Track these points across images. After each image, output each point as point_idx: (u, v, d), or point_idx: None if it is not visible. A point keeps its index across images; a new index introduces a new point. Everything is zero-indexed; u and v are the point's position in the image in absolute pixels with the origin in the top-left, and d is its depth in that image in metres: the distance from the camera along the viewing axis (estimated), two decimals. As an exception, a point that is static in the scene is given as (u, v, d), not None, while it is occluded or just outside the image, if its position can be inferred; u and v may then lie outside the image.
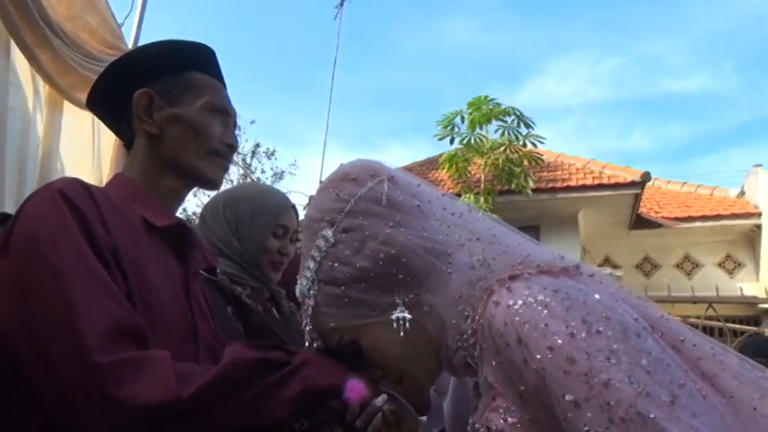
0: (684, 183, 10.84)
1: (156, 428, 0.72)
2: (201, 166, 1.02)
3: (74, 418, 0.73)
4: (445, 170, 6.28)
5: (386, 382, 0.90)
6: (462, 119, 6.02)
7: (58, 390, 0.74)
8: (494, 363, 0.75)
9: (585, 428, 0.64)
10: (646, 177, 8.27)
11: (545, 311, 0.69)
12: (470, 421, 0.82)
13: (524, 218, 8.49)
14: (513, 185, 6.11)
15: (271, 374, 0.82)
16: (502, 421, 0.75)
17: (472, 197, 5.97)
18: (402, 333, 0.81)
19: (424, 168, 9.80)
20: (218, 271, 1.38)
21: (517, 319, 0.70)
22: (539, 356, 0.68)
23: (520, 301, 0.71)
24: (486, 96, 6.03)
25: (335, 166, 0.93)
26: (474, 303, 0.80)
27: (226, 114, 1.06)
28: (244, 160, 10.40)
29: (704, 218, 9.30)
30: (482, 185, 6.03)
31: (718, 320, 4.72)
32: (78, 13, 2.52)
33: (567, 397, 0.65)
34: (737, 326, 4.78)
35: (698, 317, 4.88)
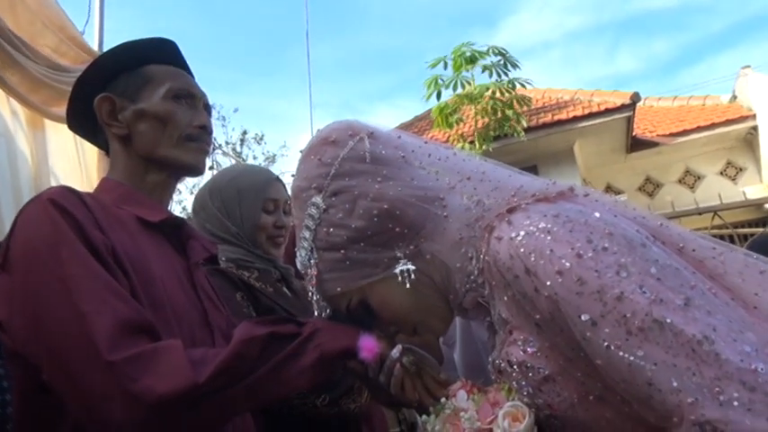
0: (675, 97, 10.73)
1: (178, 416, 0.73)
2: (177, 154, 1.01)
3: (99, 420, 0.74)
4: (437, 124, 6.21)
5: (402, 337, 0.91)
6: (445, 65, 5.92)
7: (80, 395, 0.75)
8: (505, 297, 0.75)
9: (605, 344, 0.64)
10: (635, 98, 8.18)
11: (548, 237, 0.69)
12: (490, 359, 0.83)
13: (520, 160, 8.43)
14: (505, 129, 6.05)
15: (284, 347, 0.83)
16: (522, 353, 0.75)
17: (467, 146, 5.92)
18: (408, 285, 0.81)
19: (413, 127, 9.73)
20: (222, 259, 1.38)
21: (522, 250, 0.70)
22: (549, 283, 0.68)
23: (522, 232, 0.71)
24: (467, 42, 5.96)
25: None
26: (476, 243, 0.80)
27: (192, 98, 1.05)
28: (234, 149, 10.36)
29: (699, 129, 9.21)
30: (475, 134, 5.98)
31: (726, 228, 4.70)
32: (40, 30, 2.47)
33: (583, 317, 0.65)
34: (746, 230, 4.78)
35: (705, 228, 4.86)
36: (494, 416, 0.76)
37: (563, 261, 0.67)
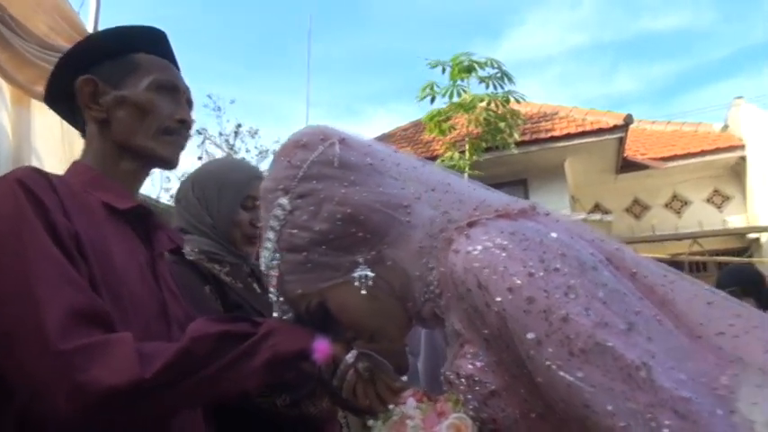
0: (668, 122, 10.82)
1: (123, 409, 0.74)
2: (154, 146, 1.01)
3: (47, 408, 0.74)
4: (429, 130, 6.24)
5: (360, 343, 0.92)
6: (443, 69, 5.95)
7: (26, 380, 0.75)
8: (458, 310, 0.76)
9: (547, 363, 0.65)
10: (628, 120, 8.25)
11: (503, 254, 0.70)
12: (442, 370, 0.84)
13: (511, 172, 8.48)
14: (497, 141, 6.08)
15: (236, 346, 0.83)
16: (470, 366, 0.76)
17: (456, 155, 5.95)
18: (365, 290, 0.82)
19: (408, 132, 9.75)
20: (195, 250, 1.38)
21: (476, 264, 0.71)
22: (499, 299, 0.69)
23: (479, 247, 0.72)
24: (466, 52, 6.00)
25: None
26: (437, 254, 0.81)
27: (175, 91, 1.05)
28: (227, 141, 10.33)
29: (689, 155, 9.30)
30: (467, 143, 6.00)
31: (704, 255, 4.79)
32: (33, 9, 2.46)
33: (529, 335, 0.66)
34: (723, 258, 4.85)
35: (684, 253, 4.95)
36: (438, 426, 0.77)
37: (514, 278, 0.68)
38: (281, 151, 0.90)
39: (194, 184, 1.48)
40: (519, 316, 0.67)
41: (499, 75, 5.83)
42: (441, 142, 6.72)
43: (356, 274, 0.83)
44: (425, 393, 0.85)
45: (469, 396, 0.76)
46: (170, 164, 1.04)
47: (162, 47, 1.08)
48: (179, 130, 1.04)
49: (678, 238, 5.49)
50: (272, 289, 0.89)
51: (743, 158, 9.13)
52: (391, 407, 0.83)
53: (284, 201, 0.85)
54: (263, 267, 0.90)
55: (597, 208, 9.64)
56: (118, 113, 1.00)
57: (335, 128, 0.91)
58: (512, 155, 7.27)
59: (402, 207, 0.85)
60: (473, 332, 0.75)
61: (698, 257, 4.89)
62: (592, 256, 0.72)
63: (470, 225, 0.76)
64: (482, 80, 5.91)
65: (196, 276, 1.32)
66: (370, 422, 0.83)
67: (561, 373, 0.64)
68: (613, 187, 9.61)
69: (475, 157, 6.14)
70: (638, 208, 9.89)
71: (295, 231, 0.84)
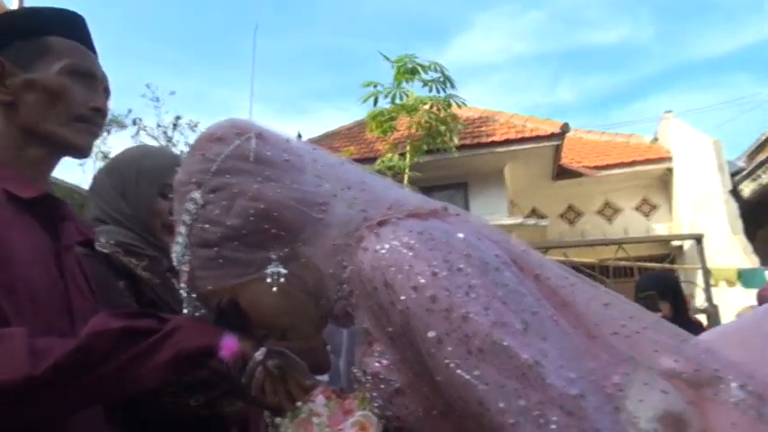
0: (603, 132, 11.27)
1: (11, 408, 0.70)
2: (64, 132, 0.97)
3: None
4: (370, 129, 6.25)
5: (273, 341, 0.91)
6: (398, 69, 5.97)
7: None
8: (365, 308, 0.77)
9: (446, 361, 0.66)
10: (565, 129, 8.55)
11: (410, 253, 0.71)
12: (351, 369, 0.85)
13: (451, 176, 8.62)
14: (437, 144, 6.16)
15: (139, 342, 0.81)
16: (377, 364, 0.77)
17: (396, 157, 5.99)
18: (277, 288, 0.82)
19: (353, 131, 9.75)
20: (111, 242, 1.33)
21: (383, 262, 0.72)
22: (403, 297, 0.69)
23: (387, 245, 0.73)
24: (410, 54, 6.04)
25: None
26: (350, 252, 0.81)
27: (91, 78, 1.01)
28: (165, 133, 10.01)
29: (621, 165, 9.73)
30: (408, 145, 6.05)
31: (628, 260, 5.05)
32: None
33: (430, 334, 0.67)
34: (646, 264, 5.13)
35: (610, 258, 5.20)
36: (344, 423, 0.77)
37: (419, 277, 0.69)
38: (195, 144, 0.88)
39: (110, 172, 1.42)
40: (422, 314, 0.68)
41: (442, 79, 5.91)
42: (384, 142, 6.76)
43: (268, 271, 0.82)
44: (335, 391, 0.84)
45: (375, 394, 0.77)
46: (82, 152, 1.00)
47: (78, 31, 1.04)
48: (93, 119, 1.00)
49: (606, 243, 5.73)
50: (182, 284, 0.87)
51: (670, 170, 9.61)
52: (299, 404, 0.82)
53: (197, 195, 0.83)
54: (174, 262, 0.88)
55: (534, 213, 9.92)
56: (26, 97, 0.96)
57: (253, 122, 0.90)
58: (453, 158, 7.38)
59: (317, 204, 0.84)
60: (379, 330, 0.75)
61: (623, 263, 5.12)
62: (496, 257, 0.74)
63: (380, 224, 0.77)
64: (425, 83, 5.97)
65: (109, 270, 1.27)
66: (278, 420, 0.83)
67: (459, 372, 0.65)
68: (550, 193, 9.92)
69: (416, 159, 6.19)
70: (572, 214, 10.23)
71: (207, 226, 0.82)
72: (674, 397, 0.72)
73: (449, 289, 0.68)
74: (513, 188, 9.51)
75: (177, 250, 0.86)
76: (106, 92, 1.06)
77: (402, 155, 5.94)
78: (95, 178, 1.47)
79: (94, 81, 1.02)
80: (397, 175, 5.86)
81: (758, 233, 8.82)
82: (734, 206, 8.49)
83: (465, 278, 0.69)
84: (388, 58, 5.96)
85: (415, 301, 0.69)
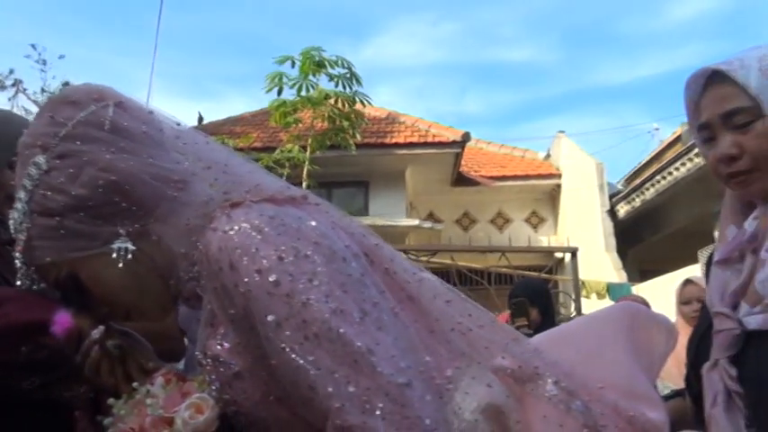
0: (502, 145, 11.79)
1: None
2: None
3: None
4: (273, 119, 6.14)
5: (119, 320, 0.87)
6: (293, 63, 5.88)
7: None
8: (211, 289, 0.76)
9: (282, 345, 0.67)
10: (466, 138, 8.87)
11: (258, 237, 0.71)
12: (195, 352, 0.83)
13: (353, 173, 8.68)
14: (339, 140, 6.17)
15: None
16: (218, 347, 0.76)
17: (296, 148, 5.92)
18: (123, 264, 0.78)
19: (258, 118, 9.54)
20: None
21: (230, 243, 0.71)
22: (246, 279, 0.69)
23: (236, 227, 0.72)
24: (318, 47, 5.98)
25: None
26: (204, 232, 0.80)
27: None
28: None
29: (515, 177, 10.25)
30: (309, 138, 6.01)
31: (509, 268, 5.35)
32: None
33: (269, 317, 0.68)
34: (525, 272, 5.47)
35: (494, 265, 5.49)
36: (180, 406, 0.75)
37: (264, 261, 0.69)
38: (46, 105, 0.83)
39: None
40: (263, 298, 0.68)
41: (349, 75, 5.92)
42: (287, 133, 6.67)
43: (115, 246, 0.79)
44: (177, 374, 0.83)
45: (213, 377, 0.76)
46: None
47: None
48: None
49: (491, 250, 6.03)
50: (17, 254, 0.81)
51: (559, 186, 10.23)
52: (136, 385, 0.80)
53: (41, 159, 0.78)
54: (12, 230, 0.82)
55: (431, 216, 10.19)
56: None
57: (114, 90, 0.86)
58: (355, 156, 7.42)
59: (173, 182, 0.82)
60: (222, 312, 0.74)
61: (504, 270, 5.42)
62: (346, 248, 0.75)
63: (233, 206, 0.76)
64: (332, 78, 5.95)
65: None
66: (111, 400, 0.80)
67: (293, 356, 0.66)
68: (447, 198, 10.23)
69: (318, 153, 6.17)
70: (467, 221, 10.62)
71: (49, 194, 0.78)
72: (498, 391, 0.76)
73: (293, 275, 0.68)
74: (412, 191, 9.71)
75: (15, 217, 0.80)
76: None
77: (304, 147, 5.89)
78: None
79: None
80: (296, 167, 5.81)
81: (629, 251, 9.60)
82: (610, 225, 9.20)
83: (311, 265, 0.69)
84: (282, 61, 5.84)
85: (258, 284, 0.69)
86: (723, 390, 0.96)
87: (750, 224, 0.97)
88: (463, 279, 5.59)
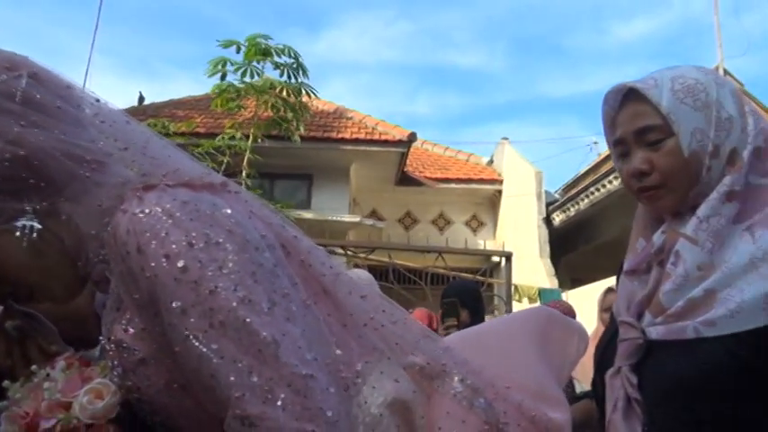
0: (447, 148, 11.95)
1: None
2: None
3: None
4: (215, 104, 5.98)
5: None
6: (238, 49, 5.75)
7: None
8: (117, 273, 0.74)
9: (186, 332, 0.66)
10: (412, 138, 8.93)
11: (169, 221, 0.69)
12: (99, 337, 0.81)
13: (298, 166, 8.60)
14: (282, 130, 6.08)
15: None
16: (123, 332, 0.74)
17: (238, 135, 5.80)
18: (27, 243, 0.75)
19: (202, 103, 9.31)
20: None
21: (139, 227, 0.70)
22: (153, 264, 0.68)
23: (147, 210, 0.70)
24: (265, 34, 5.88)
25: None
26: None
27: None
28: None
29: (458, 180, 10.41)
30: (252, 126, 5.89)
31: (445, 269, 5.45)
32: None
33: (175, 304, 0.66)
34: (462, 274, 5.58)
35: (430, 266, 5.57)
36: (79, 391, 0.73)
37: (173, 246, 0.68)
38: None
39: None
40: (169, 283, 0.67)
41: (295, 65, 5.84)
42: (231, 119, 6.53)
43: (19, 224, 0.76)
44: (80, 359, 0.80)
45: (116, 362, 0.74)
46: None
47: None
48: None
49: (428, 250, 6.11)
50: None
51: (500, 192, 10.45)
52: (35, 368, 0.77)
53: None
54: None
55: (374, 214, 10.22)
56: None
57: (31, 60, 0.82)
58: (301, 149, 7.35)
59: (86, 161, 0.79)
60: (128, 297, 0.73)
61: (441, 270, 5.51)
62: (262, 238, 0.74)
63: (146, 188, 0.74)
64: (277, 66, 5.86)
65: None
66: (6, 383, 0.76)
67: (196, 343, 0.65)
68: (391, 197, 10.28)
69: (261, 143, 6.07)
70: (409, 220, 10.71)
71: None
72: (405, 386, 0.78)
73: (202, 261, 0.67)
74: (356, 187, 9.71)
75: None
76: None
77: (246, 136, 5.77)
78: None
79: None
80: (237, 155, 5.70)
81: (563, 259, 9.92)
82: (545, 232, 9.47)
83: (222, 253, 0.69)
84: (226, 45, 5.70)
85: (165, 270, 0.67)
86: (624, 396, 1.00)
87: (658, 237, 1.02)
88: (401, 278, 5.64)
